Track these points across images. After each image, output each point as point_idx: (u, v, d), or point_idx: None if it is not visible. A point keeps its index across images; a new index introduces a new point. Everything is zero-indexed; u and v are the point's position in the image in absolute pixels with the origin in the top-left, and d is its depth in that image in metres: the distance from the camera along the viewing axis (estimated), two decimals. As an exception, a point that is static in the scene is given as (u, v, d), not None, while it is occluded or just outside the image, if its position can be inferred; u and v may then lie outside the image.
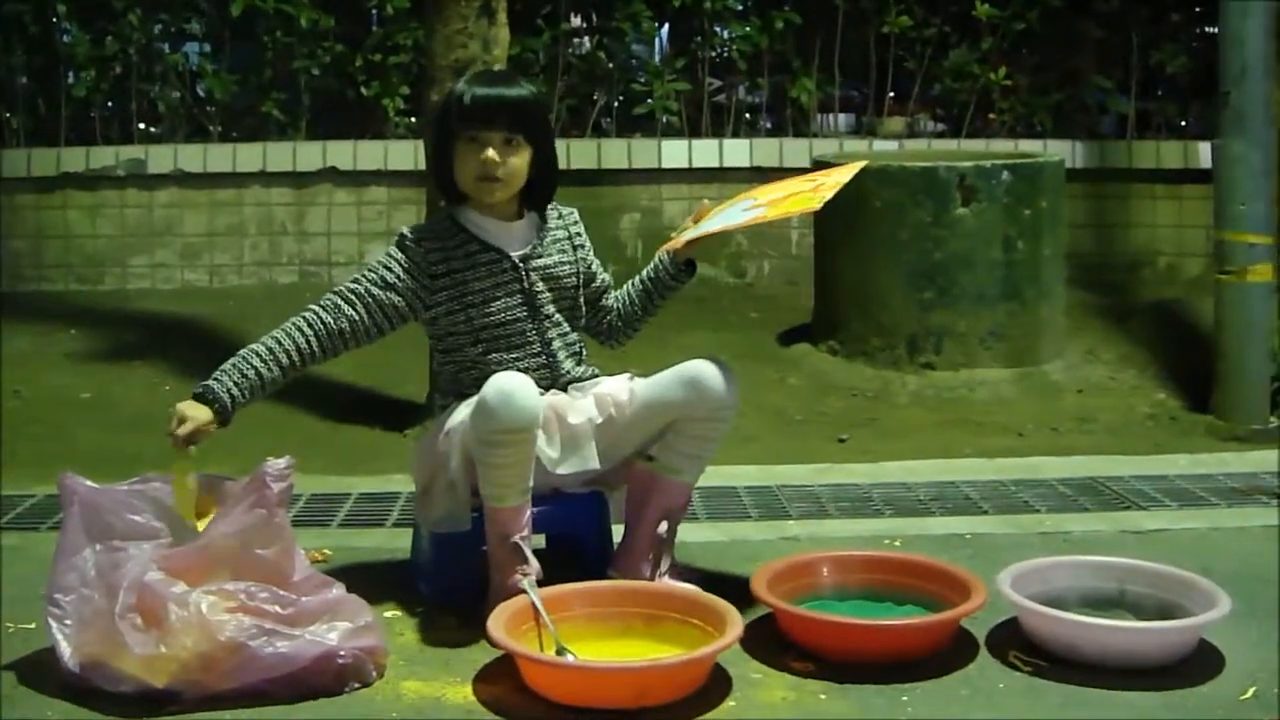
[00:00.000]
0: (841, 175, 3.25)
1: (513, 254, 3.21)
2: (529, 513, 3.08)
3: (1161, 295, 6.89)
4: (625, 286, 3.41)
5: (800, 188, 3.30)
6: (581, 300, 3.32)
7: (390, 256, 3.18)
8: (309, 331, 3.14)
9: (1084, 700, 2.78)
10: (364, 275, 3.18)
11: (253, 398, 3.09)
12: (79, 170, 7.35)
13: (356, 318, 3.15)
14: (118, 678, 2.72)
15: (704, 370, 3.15)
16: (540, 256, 3.24)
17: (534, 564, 3.07)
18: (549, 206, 3.32)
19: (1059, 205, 5.87)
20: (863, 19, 7.65)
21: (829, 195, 3.16)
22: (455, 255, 3.18)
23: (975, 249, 5.64)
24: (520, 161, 3.16)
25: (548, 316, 3.24)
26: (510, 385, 2.96)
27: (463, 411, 3.10)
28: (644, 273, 3.38)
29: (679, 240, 3.31)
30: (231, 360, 3.11)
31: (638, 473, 3.25)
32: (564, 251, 3.29)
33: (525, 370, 3.13)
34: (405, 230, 3.22)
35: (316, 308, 3.17)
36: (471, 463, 3.05)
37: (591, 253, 3.38)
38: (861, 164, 3.42)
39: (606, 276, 3.42)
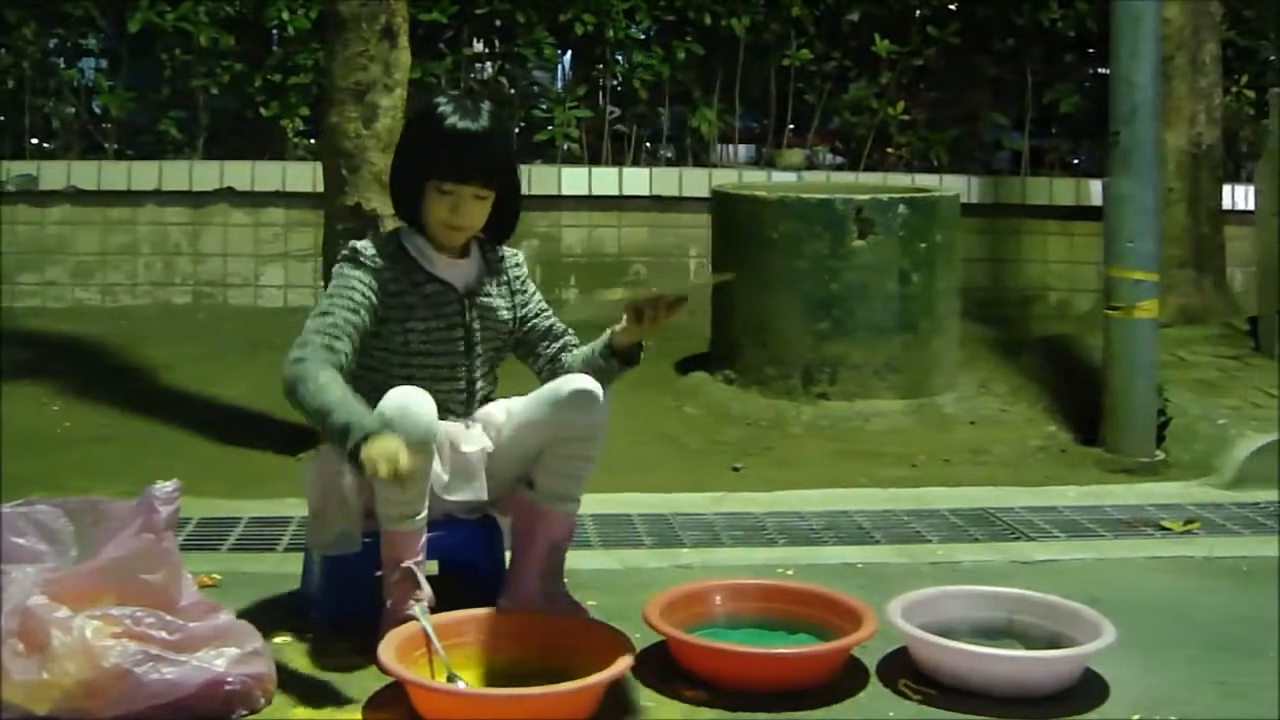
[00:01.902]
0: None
1: (458, 288, 3.20)
2: (424, 538, 3.07)
3: (1053, 330, 7.00)
4: (577, 354, 3.31)
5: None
6: (512, 341, 3.31)
7: (349, 275, 3.11)
8: (330, 376, 2.97)
9: (972, 729, 2.82)
10: (334, 305, 3.07)
11: None
12: (-32, 185, 7.22)
13: (349, 351, 3.05)
14: (-3, 704, 2.67)
15: (569, 388, 3.13)
16: (483, 295, 3.24)
17: (426, 590, 3.05)
18: (490, 249, 3.31)
19: (954, 239, 5.94)
20: (764, 51, 7.72)
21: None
22: (404, 280, 3.15)
23: (871, 281, 5.69)
24: (485, 209, 3.16)
25: (480, 354, 3.23)
26: (407, 399, 2.95)
27: None
28: (588, 348, 3.29)
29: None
30: (334, 421, 2.86)
31: (522, 503, 3.23)
32: (503, 295, 3.29)
33: (444, 401, 3.11)
34: (359, 246, 3.16)
35: (310, 359, 2.97)
36: (366, 482, 3.01)
37: (536, 296, 3.35)
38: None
39: (559, 324, 3.35)
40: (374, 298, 3.11)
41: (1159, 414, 5.22)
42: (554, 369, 3.30)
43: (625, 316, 3.19)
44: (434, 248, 3.19)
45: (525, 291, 3.34)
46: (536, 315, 3.34)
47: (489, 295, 3.25)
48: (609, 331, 3.24)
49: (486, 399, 3.28)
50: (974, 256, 7.27)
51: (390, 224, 4.65)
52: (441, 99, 3.19)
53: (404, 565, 3.04)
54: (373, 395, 3.11)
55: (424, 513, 3.05)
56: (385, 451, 2.75)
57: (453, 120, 3.11)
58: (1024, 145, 7.84)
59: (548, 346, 3.33)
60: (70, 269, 7.36)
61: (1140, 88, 5.09)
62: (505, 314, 3.28)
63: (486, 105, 3.18)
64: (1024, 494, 4.58)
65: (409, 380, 3.10)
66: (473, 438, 3.16)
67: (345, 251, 3.17)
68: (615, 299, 3.32)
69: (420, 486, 3.01)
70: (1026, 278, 7.63)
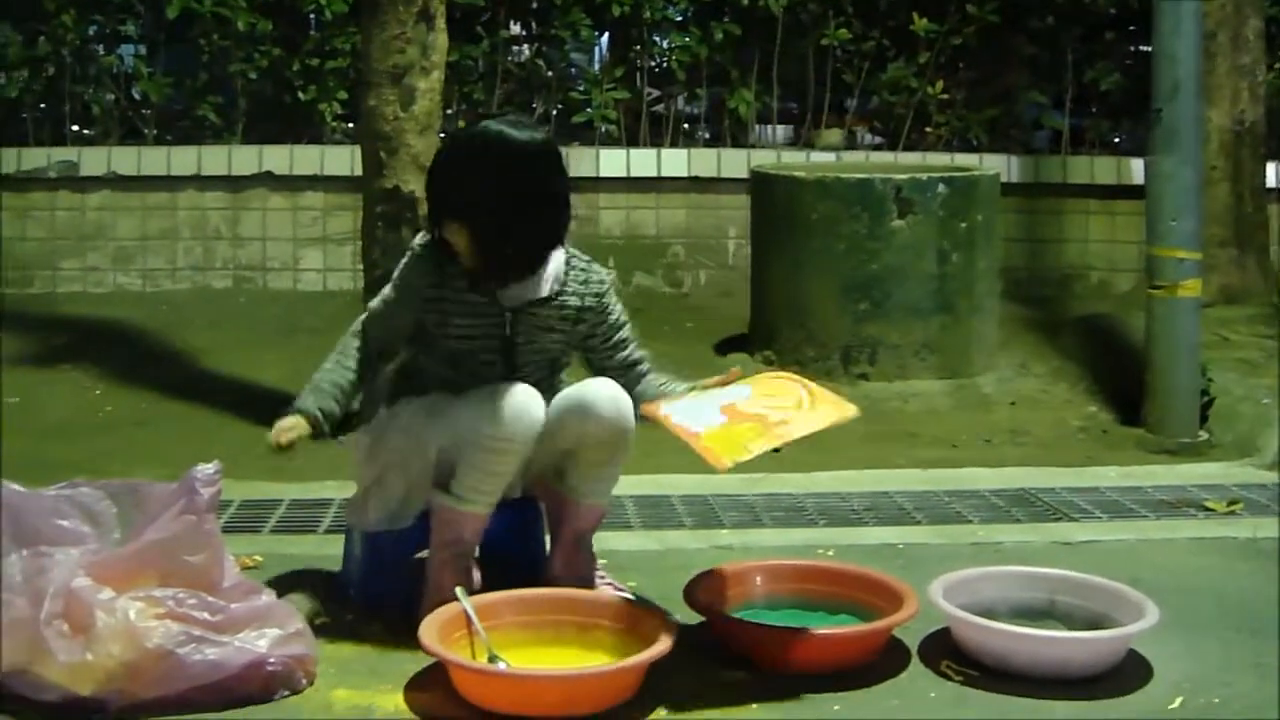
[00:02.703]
0: (824, 418, 3.15)
1: (504, 303, 3.14)
2: (484, 525, 3.08)
3: (1094, 309, 6.95)
4: (653, 380, 3.27)
5: (784, 402, 3.17)
6: (562, 361, 3.27)
7: (402, 268, 3.20)
8: (362, 363, 3.20)
9: (1014, 710, 2.80)
10: (383, 295, 3.23)
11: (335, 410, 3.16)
12: (10, 172, 7.27)
13: (380, 336, 3.22)
14: (43, 685, 2.68)
15: (592, 396, 3.11)
16: (532, 311, 3.15)
17: (475, 574, 3.07)
18: (580, 266, 3.21)
19: (993, 219, 5.91)
20: (802, 31, 7.69)
21: (780, 443, 3.06)
22: (446, 287, 3.13)
23: (910, 261, 5.67)
24: (461, 239, 3.07)
25: (522, 365, 3.17)
26: (525, 398, 3.01)
27: (423, 407, 3.13)
28: (668, 385, 3.25)
29: (654, 412, 3.11)
30: (307, 386, 3.19)
31: (551, 492, 3.24)
32: (566, 318, 3.18)
33: None
34: (415, 246, 3.19)
35: (339, 347, 3.24)
36: (433, 460, 3.07)
37: (617, 323, 3.24)
38: (853, 412, 3.24)
39: (634, 354, 3.27)
40: (410, 310, 3.17)
41: (1201, 394, 5.18)
42: (619, 377, 3.21)
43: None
44: None
45: (604, 318, 3.22)
46: (616, 344, 3.25)
47: (544, 315, 3.16)
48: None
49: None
50: (1014, 236, 7.22)
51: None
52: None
53: (459, 547, 3.06)
54: (422, 378, 3.13)
55: (496, 501, 3.07)
56: (279, 425, 3.09)
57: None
58: (1064, 124, 7.78)
59: (626, 377, 3.23)
60: (111, 254, 7.40)
61: (1182, 64, 5.04)
62: (559, 335, 3.19)
63: (471, 129, 3.18)
64: (1065, 474, 4.56)
65: (454, 377, 3.12)
66: None
67: (412, 245, 3.22)
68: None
69: (505, 480, 3.06)
70: (1067, 257, 7.58)
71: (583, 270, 3.21)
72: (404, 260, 3.20)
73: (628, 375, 3.23)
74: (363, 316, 3.23)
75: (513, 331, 3.15)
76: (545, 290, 3.14)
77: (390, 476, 3.15)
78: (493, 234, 3.05)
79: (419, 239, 3.19)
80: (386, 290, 3.22)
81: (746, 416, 3.06)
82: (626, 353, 3.26)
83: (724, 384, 3.18)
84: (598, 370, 3.25)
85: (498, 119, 3.11)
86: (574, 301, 3.19)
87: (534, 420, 3.02)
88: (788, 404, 3.14)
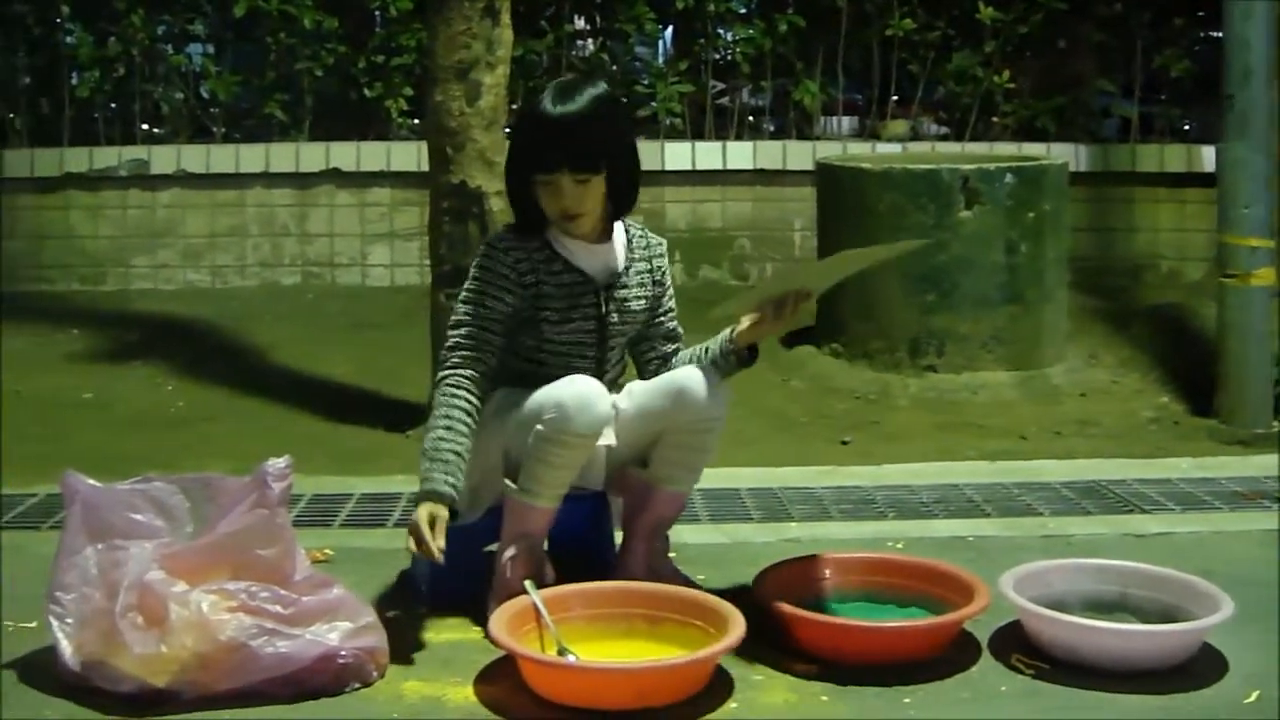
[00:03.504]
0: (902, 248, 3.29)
1: (597, 280, 3.17)
2: (552, 517, 3.09)
3: (1164, 299, 6.88)
4: (685, 352, 3.31)
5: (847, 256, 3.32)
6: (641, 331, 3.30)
7: (488, 272, 3.11)
8: (468, 407, 3.08)
9: (1086, 703, 2.78)
10: (473, 310, 3.10)
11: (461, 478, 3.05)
12: (82, 171, 7.36)
13: (492, 354, 3.12)
14: (118, 677, 2.72)
15: (688, 380, 3.12)
16: (622, 287, 3.20)
17: (549, 567, 3.07)
18: (638, 234, 3.28)
19: (1062, 208, 5.86)
20: (866, 22, 7.65)
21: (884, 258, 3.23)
22: (541, 270, 3.13)
23: (978, 252, 5.63)
24: (597, 193, 3.10)
25: (612, 345, 3.21)
26: (591, 392, 3.01)
27: (493, 404, 3.13)
28: (704, 348, 3.28)
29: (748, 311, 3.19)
30: (427, 460, 3.04)
31: (633, 481, 3.23)
32: (643, 285, 3.24)
33: None
34: (496, 239, 3.17)
35: (451, 384, 3.08)
36: (502, 455, 3.09)
37: (669, 292, 3.31)
38: (921, 242, 3.43)
39: (676, 326, 3.33)
40: (510, 295, 3.11)
41: (1275, 384, 5.12)
42: (662, 369, 3.28)
43: (746, 318, 3.19)
44: (569, 236, 3.16)
45: (663, 284, 3.30)
46: (665, 313, 3.31)
47: (627, 286, 3.21)
48: (729, 331, 3.23)
49: (613, 384, 3.25)
50: (1082, 226, 7.15)
51: (495, 201, 4.68)
52: (544, 89, 3.18)
53: (528, 540, 3.07)
54: (507, 381, 3.13)
55: (562, 494, 3.08)
56: (414, 524, 2.97)
57: (539, 108, 3.10)
58: (1133, 112, 7.70)
59: (664, 346, 3.31)
60: (180, 251, 7.47)
61: (1255, 49, 4.98)
62: (641, 304, 3.24)
63: (584, 88, 3.12)
64: (1136, 466, 4.51)
65: (539, 366, 3.13)
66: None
67: (486, 242, 3.19)
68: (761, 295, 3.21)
69: (572, 474, 3.07)
70: (1136, 246, 7.50)
71: (642, 236, 3.30)
72: (484, 260, 3.13)
73: (669, 345, 3.31)
74: (451, 360, 3.10)
75: (606, 310, 3.17)
76: (623, 259, 3.20)
77: (470, 473, 3.14)
78: (628, 177, 3.17)
79: (503, 235, 3.17)
80: (468, 307, 3.12)
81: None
82: (675, 324, 3.34)
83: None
84: (652, 344, 3.30)
85: (561, 80, 3.21)
86: (644, 266, 3.26)
87: (601, 414, 3.02)
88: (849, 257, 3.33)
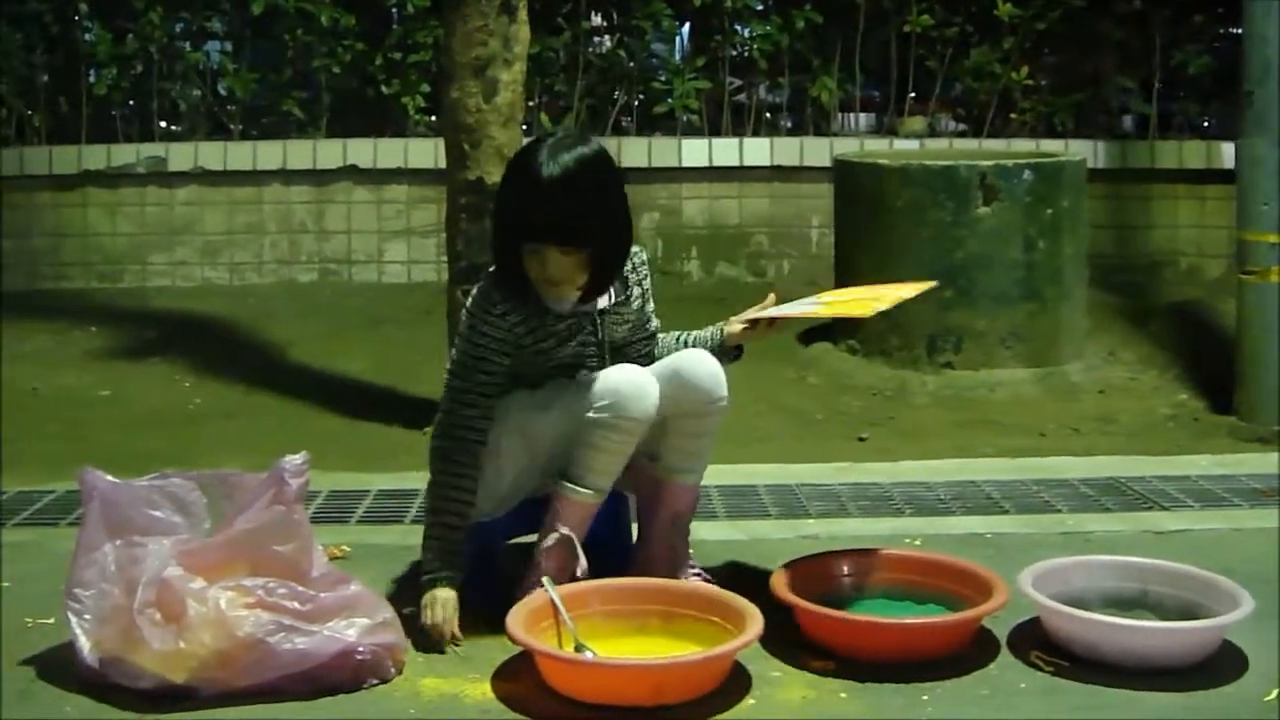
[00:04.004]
0: (904, 292, 3.23)
1: (592, 312, 3.13)
2: (594, 514, 3.09)
3: (1183, 296, 6.86)
4: (667, 338, 3.31)
5: (863, 295, 3.31)
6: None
7: (482, 335, 3.04)
8: (470, 478, 3.06)
9: (1105, 701, 2.77)
10: (471, 371, 3.04)
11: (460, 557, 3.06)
12: (100, 168, 7.38)
13: (490, 410, 3.07)
14: (136, 673, 2.72)
15: (688, 364, 3.11)
16: (616, 312, 3.17)
17: (582, 560, 3.06)
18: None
19: (1080, 205, 5.84)
20: (883, 18, 7.64)
21: (885, 307, 3.13)
22: (536, 326, 3.08)
23: (996, 249, 5.63)
24: (582, 263, 3.02)
25: (616, 351, 3.18)
26: (644, 378, 3.02)
27: (532, 402, 3.12)
28: (691, 335, 3.29)
29: (745, 315, 3.21)
30: (428, 543, 3.06)
31: (644, 476, 3.23)
32: (634, 297, 3.21)
33: None
34: (486, 305, 3.05)
35: (452, 447, 3.05)
36: (547, 450, 3.08)
37: (649, 295, 3.28)
38: (929, 284, 3.39)
39: (656, 322, 3.32)
40: (507, 357, 3.06)
41: (1294, 381, 5.11)
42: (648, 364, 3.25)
43: (738, 321, 3.21)
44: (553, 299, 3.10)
45: (647, 292, 3.26)
46: (650, 315, 3.29)
47: (620, 310, 3.18)
48: (719, 328, 3.24)
49: None
50: (1101, 222, 7.13)
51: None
52: (534, 143, 3.04)
53: (569, 532, 3.07)
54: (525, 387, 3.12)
55: (608, 491, 3.09)
56: (435, 620, 2.98)
57: (530, 171, 2.97)
58: (1151, 109, 7.68)
59: (648, 345, 3.27)
60: (198, 248, 7.49)
61: (1273, 45, 4.97)
62: (635, 316, 3.21)
63: (577, 151, 2.99)
64: (1155, 463, 4.50)
65: (546, 377, 3.12)
66: None
67: (474, 299, 3.08)
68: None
69: (622, 462, 3.07)
70: (1155, 243, 7.48)
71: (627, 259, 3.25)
72: (478, 324, 3.05)
73: (651, 343, 3.28)
74: (450, 430, 3.05)
75: (603, 335, 3.15)
76: (615, 293, 3.17)
77: (495, 468, 3.12)
78: (617, 249, 3.09)
79: (491, 291, 3.06)
80: (464, 375, 3.05)
81: (840, 298, 3.14)
82: (655, 321, 3.31)
83: (762, 309, 3.24)
84: (626, 344, 3.25)
85: (554, 140, 3.02)
86: (637, 291, 3.23)
87: (653, 397, 3.02)
88: (865, 293, 3.28)
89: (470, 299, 3.11)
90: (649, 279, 3.29)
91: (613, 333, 3.17)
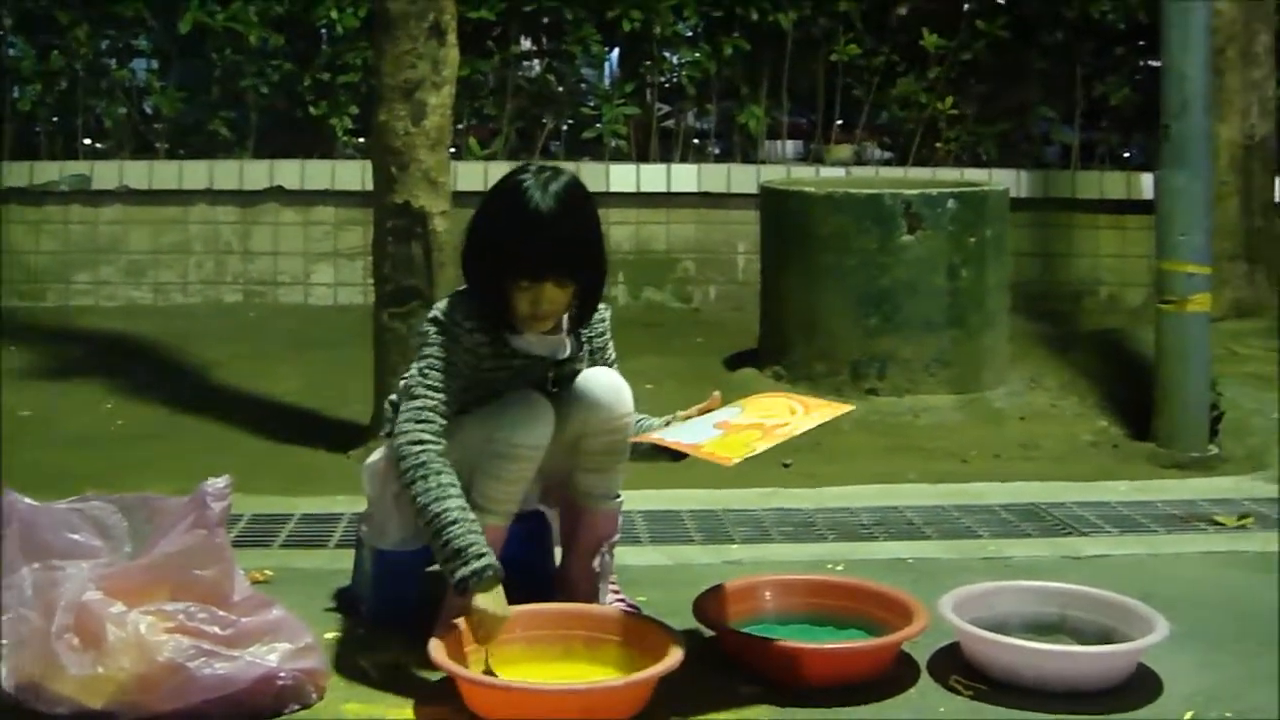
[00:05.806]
0: (821, 415, 3.11)
1: (546, 360, 3.12)
2: (505, 536, 3.08)
3: (1104, 324, 6.95)
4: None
5: (779, 408, 3.17)
6: None
7: (449, 348, 3.01)
8: (456, 484, 2.97)
9: (1024, 725, 2.80)
10: (440, 381, 2.99)
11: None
12: (22, 185, 7.31)
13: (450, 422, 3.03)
14: (54, 699, 2.69)
15: (590, 381, 3.12)
16: (569, 362, 3.15)
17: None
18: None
19: (1004, 234, 5.91)
20: (811, 47, 7.71)
21: (766, 446, 2.99)
22: (496, 358, 3.07)
23: (920, 276, 5.67)
24: (567, 296, 3.03)
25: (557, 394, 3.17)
26: (537, 404, 3.02)
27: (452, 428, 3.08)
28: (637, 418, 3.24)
29: (646, 438, 3.15)
30: (448, 537, 2.90)
31: (565, 501, 3.24)
32: (584, 354, 3.20)
33: None
34: (457, 319, 3.02)
35: (432, 451, 2.95)
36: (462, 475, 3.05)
37: (610, 358, 3.26)
38: (848, 408, 3.27)
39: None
40: (468, 372, 3.04)
41: (1212, 408, 5.19)
42: None
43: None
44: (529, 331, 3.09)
45: (606, 350, 3.26)
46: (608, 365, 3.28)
47: (577, 360, 3.18)
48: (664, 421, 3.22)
49: None
50: (1024, 251, 7.23)
51: (439, 221, 4.69)
52: (518, 177, 3.01)
53: None
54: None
55: (514, 512, 3.08)
56: (485, 621, 2.86)
57: (529, 211, 2.94)
58: (1074, 139, 7.79)
59: None
60: (123, 268, 7.42)
61: (1192, 80, 5.05)
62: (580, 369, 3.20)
63: (564, 184, 2.99)
64: (1075, 489, 4.55)
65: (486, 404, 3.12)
66: None
67: (440, 316, 3.05)
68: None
69: (522, 490, 3.06)
70: (1077, 272, 7.58)
71: (586, 322, 3.21)
72: (445, 336, 3.02)
73: None
74: (428, 410, 2.98)
75: (552, 385, 3.14)
76: (570, 345, 3.15)
77: (402, 500, 3.11)
78: (602, 278, 3.11)
79: (457, 313, 3.04)
80: (439, 377, 3.00)
81: (743, 427, 3.06)
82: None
83: (705, 410, 3.18)
84: None
85: (536, 174, 2.99)
86: (594, 333, 3.23)
87: (545, 423, 3.02)
88: (781, 416, 3.13)
89: (437, 312, 3.07)
90: (609, 332, 3.26)
91: (568, 379, 3.15)
